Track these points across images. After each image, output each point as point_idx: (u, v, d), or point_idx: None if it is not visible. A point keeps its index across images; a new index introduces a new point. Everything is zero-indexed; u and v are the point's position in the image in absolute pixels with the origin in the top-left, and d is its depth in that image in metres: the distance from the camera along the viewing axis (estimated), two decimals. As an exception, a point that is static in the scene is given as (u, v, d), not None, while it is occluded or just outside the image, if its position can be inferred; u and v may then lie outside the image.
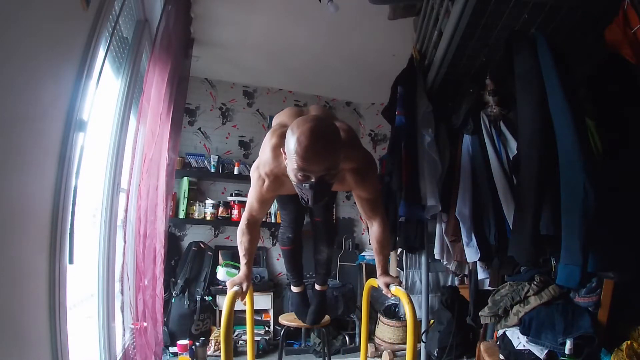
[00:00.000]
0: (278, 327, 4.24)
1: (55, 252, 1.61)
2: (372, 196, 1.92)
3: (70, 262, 1.72)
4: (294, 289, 2.60)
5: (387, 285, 1.93)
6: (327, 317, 3.03)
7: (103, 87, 2.08)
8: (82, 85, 1.73)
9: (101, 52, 1.93)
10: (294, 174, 1.50)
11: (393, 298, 4.10)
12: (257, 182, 1.83)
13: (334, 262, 4.96)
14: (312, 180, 1.48)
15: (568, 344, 2.05)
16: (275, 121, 2.07)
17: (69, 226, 1.70)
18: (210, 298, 4.14)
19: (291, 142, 1.44)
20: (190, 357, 3.51)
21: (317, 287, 2.60)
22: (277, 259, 4.91)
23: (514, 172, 2.71)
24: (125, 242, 2.56)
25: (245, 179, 4.72)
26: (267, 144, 1.78)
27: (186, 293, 4.09)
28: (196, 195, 4.62)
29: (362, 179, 1.83)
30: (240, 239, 1.95)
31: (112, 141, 2.53)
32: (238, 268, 3.98)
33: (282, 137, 1.62)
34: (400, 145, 3.05)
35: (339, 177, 1.65)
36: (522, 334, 2.44)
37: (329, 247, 2.57)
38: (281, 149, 1.57)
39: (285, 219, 2.49)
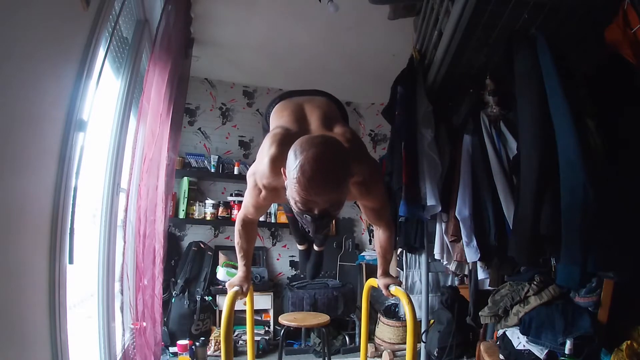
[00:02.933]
0: (278, 327, 4.24)
1: (55, 252, 1.61)
2: (377, 206, 1.82)
3: (70, 262, 1.72)
4: (299, 247, 2.90)
5: (387, 286, 1.92)
6: (327, 317, 3.03)
7: (103, 87, 2.08)
8: (82, 85, 1.73)
9: (101, 52, 1.93)
10: (294, 202, 1.32)
11: (393, 298, 4.10)
12: (253, 189, 1.67)
13: (334, 261, 4.97)
14: (315, 212, 1.30)
15: (568, 344, 2.06)
16: (273, 121, 1.84)
17: (69, 226, 1.70)
18: (210, 298, 4.13)
19: (293, 168, 1.26)
20: (190, 357, 3.51)
21: (315, 248, 2.82)
22: (277, 259, 4.92)
23: (514, 172, 2.72)
24: (125, 242, 2.56)
25: (245, 179, 4.69)
26: (265, 152, 1.56)
27: (186, 293, 4.09)
28: (196, 195, 4.61)
29: (367, 190, 1.68)
30: (237, 240, 1.89)
31: (112, 141, 2.53)
32: (237, 268, 3.97)
33: (282, 146, 1.49)
34: (400, 145, 3.05)
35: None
36: (522, 334, 2.44)
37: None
38: (282, 170, 1.37)
39: None
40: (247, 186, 1.74)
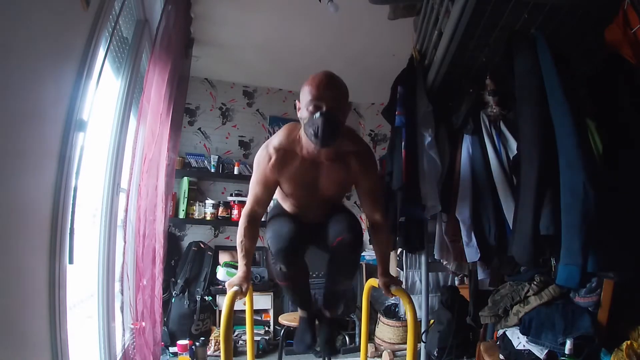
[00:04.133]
0: (278, 327, 4.24)
1: (55, 252, 1.61)
2: (373, 186, 1.97)
3: (70, 262, 1.72)
4: (300, 311, 2.29)
5: (387, 286, 1.93)
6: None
7: (103, 87, 2.08)
8: (82, 85, 1.73)
9: (101, 52, 1.93)
10: (307, 107, 1.67)
11: (393, 298, 4.10)
12: (263, 159, 1.86)
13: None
14: (323, 109, 1.64)
15: (568, 344, 2.06)
16: None
17: (69, 226, 1.70)
18: (210, 298, 4.14)
19: (305, 85, 1.70)
20: (190, 357, 3.51)
21: (325, 312, 2.24)
22: (277, 259, 4.91)
23: (514, 172, 2.71)
24: (125, 242, 2.55)
25: (245, 178, 4.71)
26: (282, 128, 1.92)
27: (186, 293, 4.09)
28: (196, 195, 4.62)
29: (364, 165, 1.89)
30: (240, 238, 1.90)
31: (112, 141, 2.53)
32: (237, 268, 3.97)
33: (295, 123, 1.86)
34: (400, 145, 3.05)
35: (343, 137, 1.79)
36: (522, 334, 2.44)
37: (348, 276, 2.12)
38: (295, 102, 1.79)
39: (274, 239, 1.91)
40: (254, 168, 1.91)
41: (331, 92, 1.66)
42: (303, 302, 2.25)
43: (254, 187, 1.92)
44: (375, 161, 2.02)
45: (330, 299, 2.21)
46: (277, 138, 1.87)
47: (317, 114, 1.64)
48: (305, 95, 1.68)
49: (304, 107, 1.70)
